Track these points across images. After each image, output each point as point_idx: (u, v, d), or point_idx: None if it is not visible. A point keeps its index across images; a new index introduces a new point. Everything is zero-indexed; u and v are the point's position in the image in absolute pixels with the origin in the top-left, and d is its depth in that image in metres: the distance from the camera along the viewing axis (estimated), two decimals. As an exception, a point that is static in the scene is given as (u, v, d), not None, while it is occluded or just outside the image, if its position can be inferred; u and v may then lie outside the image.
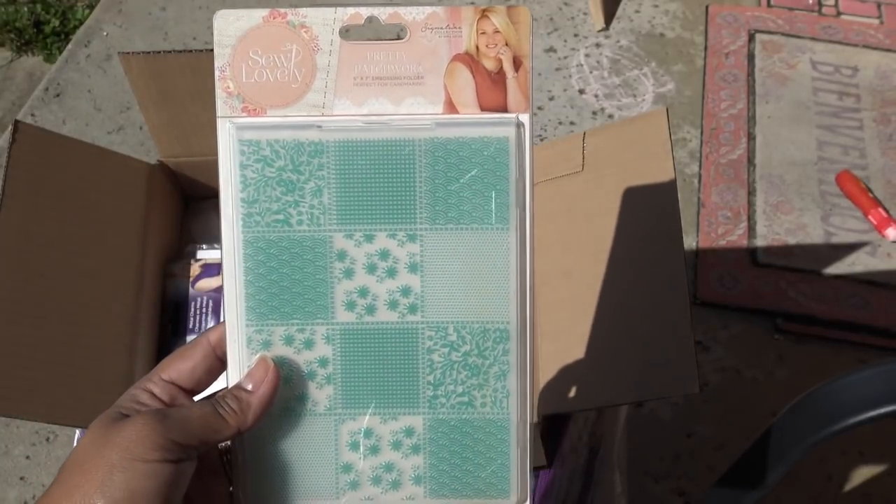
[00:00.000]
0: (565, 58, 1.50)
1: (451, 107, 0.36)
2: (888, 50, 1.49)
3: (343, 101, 0.36)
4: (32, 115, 1.44)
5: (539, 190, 0.65)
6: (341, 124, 0.36)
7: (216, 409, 0.34)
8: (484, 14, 0.36)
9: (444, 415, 0.37)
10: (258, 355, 0.36)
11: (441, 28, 0.36)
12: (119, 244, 0.65)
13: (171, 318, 0.69)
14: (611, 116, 1.42)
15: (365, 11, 0.36)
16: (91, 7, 1.64)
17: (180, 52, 0.63)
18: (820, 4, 1.57)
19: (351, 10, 0.36)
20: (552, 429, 0.60)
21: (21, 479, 1.08)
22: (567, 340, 0.57)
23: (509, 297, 0.36)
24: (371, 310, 0.36)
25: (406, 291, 0.36)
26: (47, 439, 1.11)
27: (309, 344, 0.37)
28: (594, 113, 1.43)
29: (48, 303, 0.57)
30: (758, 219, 1.28)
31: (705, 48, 1.50)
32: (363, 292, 0.36)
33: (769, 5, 1.57)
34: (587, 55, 1.50)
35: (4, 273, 0.55)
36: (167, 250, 0.72)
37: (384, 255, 0.36)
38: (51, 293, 0.58)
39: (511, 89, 0.36)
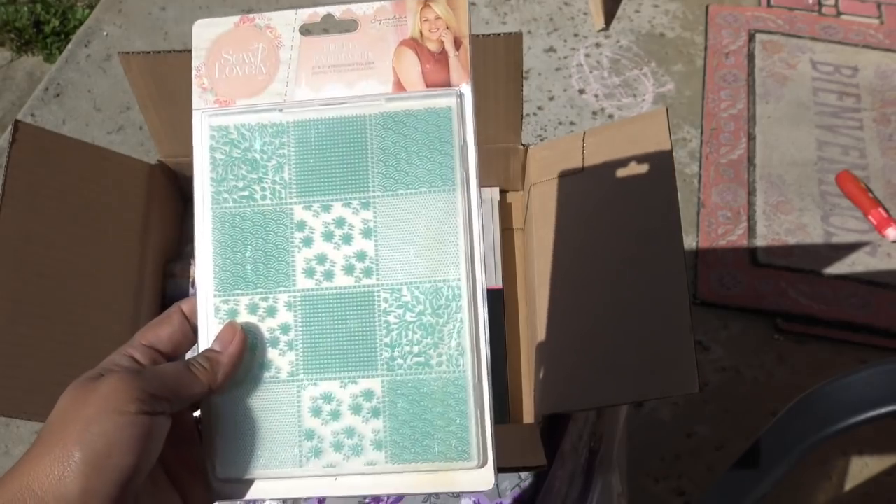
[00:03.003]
0: (565, 58, 1.50)
1: (399, 86, 0.39)
2: (888, 50, 1.49)
3: (303, 88, 0.40)
4: (32, 115, 1.44)
5: (539, 190, 0.65)
6: (300, 106, 0.39)
7: (188, 366, 0.36)
8: (426, 4, 0.39)
9: (402, 376, 0.38)
10: (226, 322, 0.38)
11: (388, 19, 0.40)
12: (119, 244, 0.65)
13: (171, 318, 0.69)
14: (611, 116, 1.42)
15: (322, 10, 0.41)
16: (91, 7, 1.64)
17: (180, 52, 0.63)
18: (820, 4, 1.57)
19: (309, 11, 0.40)
20: (552, 429, 0.60)
21: (21, 479, 1.08)
22: (567, 340, 0.57)
23: (459, 256, 0.38)
24: (329, 275, 0.38)
25: (361, 256, 0.38)
26: (47, 439, 1.11)
27: (272, 311, 0.38)
28: (594, 113, 1.43)
29: (48, 303, 0.57)
30: (758, 219, 1.28)
31: (705, 48, 1.50)
32: (321, 259, 0.38)
33: (769, 5, 1.57)
34: (587, 55, 1.50)
35: (4, 273, 0.55)
36: (167, 250, 0.72)
37: (340, 223, 0.38)
38: (51, 293, 0.58)
39: (453, 66, 0.39)
